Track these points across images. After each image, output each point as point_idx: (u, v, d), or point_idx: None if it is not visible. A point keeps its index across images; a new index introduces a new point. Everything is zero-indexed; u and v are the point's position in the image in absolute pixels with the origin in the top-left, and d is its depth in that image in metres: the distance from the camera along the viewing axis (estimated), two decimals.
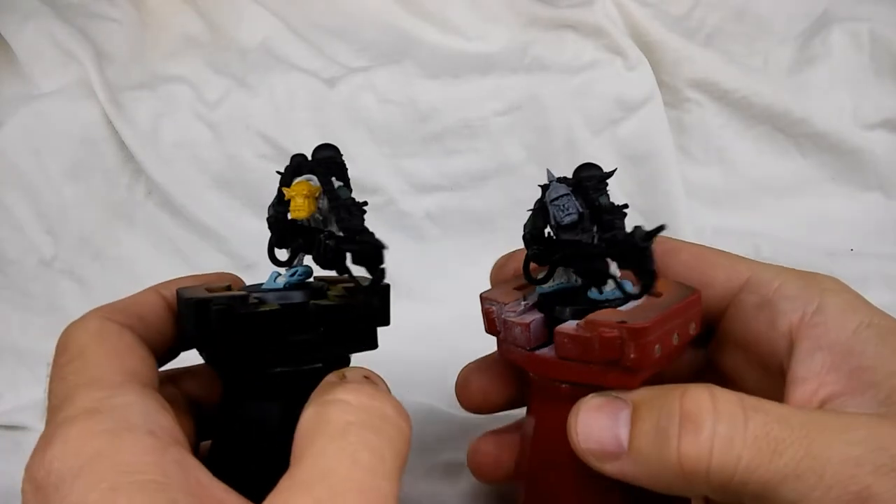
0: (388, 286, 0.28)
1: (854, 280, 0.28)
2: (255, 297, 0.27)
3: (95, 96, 0.54)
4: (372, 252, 0.26)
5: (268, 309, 0.26)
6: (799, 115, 0.56)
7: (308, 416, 0.22)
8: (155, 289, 0.29)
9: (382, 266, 0.26)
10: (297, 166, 0.29)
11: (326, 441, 0.21)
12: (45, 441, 0.21)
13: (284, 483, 0.20)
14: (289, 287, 0.29)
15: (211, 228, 0.55)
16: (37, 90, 0.56)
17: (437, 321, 0.52)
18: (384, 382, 0.26)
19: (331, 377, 0.25)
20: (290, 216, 0.28)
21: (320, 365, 0.27)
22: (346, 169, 0.28)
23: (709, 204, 0.57)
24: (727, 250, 0.54)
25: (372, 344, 0.28)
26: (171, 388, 0.30)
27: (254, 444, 0.27)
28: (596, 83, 0.56)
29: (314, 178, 0.28)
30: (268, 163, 0.55)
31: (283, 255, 0.30)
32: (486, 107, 0.56)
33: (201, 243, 0.55)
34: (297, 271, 0.30)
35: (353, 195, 0.27)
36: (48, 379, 0.24)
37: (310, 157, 0.29)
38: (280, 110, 0.56)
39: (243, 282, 0.31)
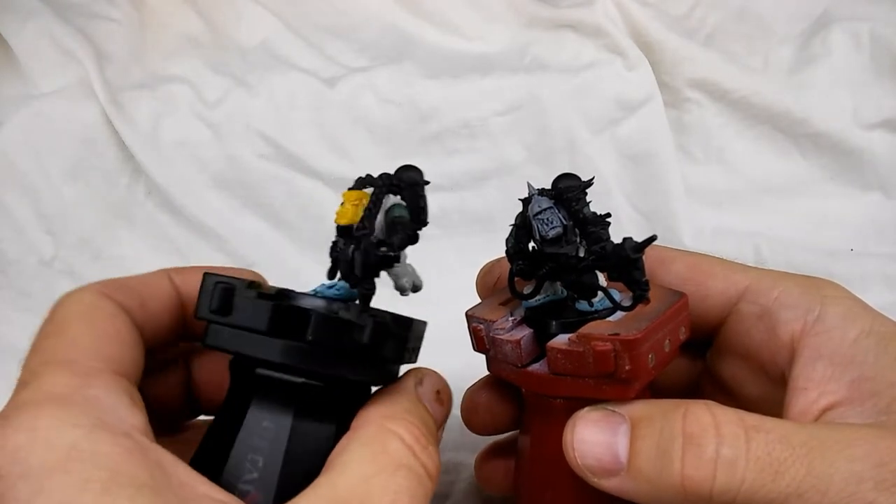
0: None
1: (854, 280, 0.28)
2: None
3: (95, 96, 0.54)
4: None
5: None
6: (799, 115, 0.56)
7: (368, 434, 0.23)
8: (166, 273, 0.28)
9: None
10: (365, 181, 0.28)
11: (378, 471, 0.22)
12: (3, 419, 0.20)
13: (323, 491, 0.21)
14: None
15: (211, 228, 0.55)
16: (37, 90, 0.56)
17: (437, 321, 0.51)
18: (451, 399, 0.29)
19: (408, 381, 0.27)
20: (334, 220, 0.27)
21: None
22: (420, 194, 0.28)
23: (709, 204, 0.57)
24: (727, 250, 0.53)
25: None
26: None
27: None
28: (596, 83, 0.56)
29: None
30: (268, 163, 0.55)
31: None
32: (485, 107, 0.56)
33: (201, 243, 0.55)
34: (336, 285, 0.28)
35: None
36: None
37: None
38: (280, 110, 0.56)
39: (266, 280, 0.30)
